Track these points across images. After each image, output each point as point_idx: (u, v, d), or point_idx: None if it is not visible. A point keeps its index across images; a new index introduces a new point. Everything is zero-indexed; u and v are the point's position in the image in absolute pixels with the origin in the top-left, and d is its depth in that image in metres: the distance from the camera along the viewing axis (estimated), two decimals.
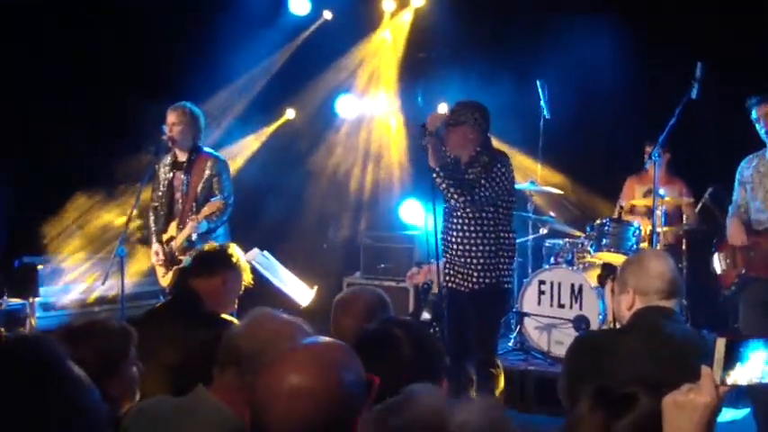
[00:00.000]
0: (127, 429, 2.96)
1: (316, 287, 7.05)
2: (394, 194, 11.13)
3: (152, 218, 7.69)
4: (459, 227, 6.54)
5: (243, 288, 5.22)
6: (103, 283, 7.60)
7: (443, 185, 6.39)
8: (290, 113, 11.42)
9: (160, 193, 7.61)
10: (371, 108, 11.55)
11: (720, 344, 2.04)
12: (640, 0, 9.41)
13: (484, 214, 6.49)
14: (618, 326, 4.00)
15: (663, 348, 3.60)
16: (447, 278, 6.60)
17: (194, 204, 7.45)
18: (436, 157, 6.41)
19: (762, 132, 6.64)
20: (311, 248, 11.20)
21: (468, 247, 6.52)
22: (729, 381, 2.04)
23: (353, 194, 11.31)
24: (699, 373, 3.40)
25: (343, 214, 11.38)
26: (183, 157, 7.56)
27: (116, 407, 3.21)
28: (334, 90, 11.58)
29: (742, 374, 2.03)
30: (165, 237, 7.55)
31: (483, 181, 6.38)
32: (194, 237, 7.31)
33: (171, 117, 7.46)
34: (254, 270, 6.77)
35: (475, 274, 6.52)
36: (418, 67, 11.42)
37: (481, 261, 6.51)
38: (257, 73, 10.99)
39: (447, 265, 6.61)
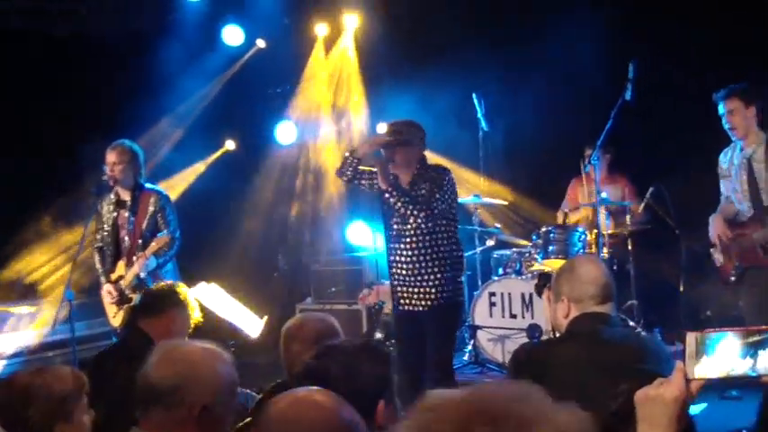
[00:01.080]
0: None
1: (266, 317, 7.00)
2: (339, 218, 11.11)
3: (97, 258, 7.60)
4: (412, 246, 6.48)
5: (192, 325, 5.18)
6: (53, 328, 7.51)
7: (399, 204, 6.38)
8: (229, 144, 11.39)
9: (105, 233, 7.54)
10: (311, 133, 11.54)
11: (690, 338, 2.04)
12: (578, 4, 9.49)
13: (438, 229, 6.47)
14: (557, 335, 3.98)
15: (602, 354, 3.58)
16: (402, 301, 6.55)
17: (140, 242, 7.40)
18: (386, 177, 6.40)
19: (726, 126, 6.68)
20: (261, 278, 11.15)
21: (424, 265, 6.47)
22: (699, 374, 2.04)
23: (299, 220, 11.29)
24: (642, 374, 3.45)
25: (291, 241, 11.35)
26: (125, 195, 7.50)
27: None
28: (273, 118, 11.58)
29: (712, 367, 2.03)
30: (113, 276, 7.47)
31: (437, 195, 6.38)
32: (143, 274, 7.26)
33: (111, 156, 7.37)
34: (201, 305, 6.73)
35: (433, 290, 6.47)
36: (355, 89, 11.44)
37: (438, 277, 6.47)
38: (193, 104, 10.95)
39: (399, 288, 6.55)
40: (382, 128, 10.53)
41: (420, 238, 6.46)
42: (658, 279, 9.00)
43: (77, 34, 9.90)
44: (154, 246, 7.28)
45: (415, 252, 6.49)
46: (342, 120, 11.44)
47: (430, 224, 6.42)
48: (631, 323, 8.43)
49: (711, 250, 6.95)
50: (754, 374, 2.00)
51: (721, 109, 6.65)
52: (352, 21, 11.32)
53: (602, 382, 3.42)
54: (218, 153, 11.34)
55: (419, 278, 6.50)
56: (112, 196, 7.54)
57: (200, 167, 11.14)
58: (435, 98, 9.69)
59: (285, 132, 11.62)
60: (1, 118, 9.59)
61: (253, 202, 11.35)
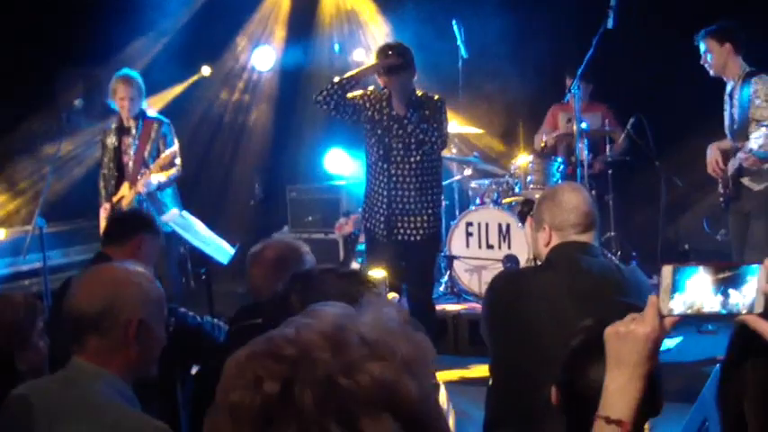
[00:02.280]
0: (13, 410, 2.80)
1: (237, 244, 6.95)
2: (317, 145, 11.01)
3: (101, 183, 7.78)
4: (417, 174, 6.48)
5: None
6: (25, 257, 7.47)
7: (394, 131, 6.38)
8: (205, 70, 11.21)
9: (108, 159, 7.73)
10: (288, 60, 11.39)
11: (666, 271, 1.97)
12: None
13: (427, 157, 6.48)
14: (538, 263, 3.94)
15: (580, 283, 3.56)
16: (383, 228, 6.55)
17: (143, 167, 7.57)
18: (400, 100, 6.38)
19: (707, 67, 6.78)
20: (238, 206, 11.08)
21: (427, 192, 6.52)
22: (675, 311, 1.97)
23: (276, 148, 11.18)
24: (620, 306, 3.41)
25: (267, 169, 11.26)
26: (128, 122, 7.68)
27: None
28: (250, 43, 11.44)
29: (685, 303, 1.97)
30: (115, 198, 7.63)
31: (435, 124, 6.39)
32: (144, 190, 7.44)
33: (121, 90, 7.57)
34: (172, 231, 6.67)
35: (430, 219, 6.55)
36: (332, 15, 11.30)
37: (435, 205, 6.59)
38: (168, 27, 10.77)
39: (400, 217, 6.54)
40: (360, 53, 10.44)
41: (422, 166, 6.47)
42: (637, 211, 8.99)
43: None
44: (158, 162, 7.48)
45: (419, 181, 6.49)
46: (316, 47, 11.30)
47: (429, 154, 6.43)
48: (609, 255, 8.42)
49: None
50: (724, 312, 1.94)
51: (701, 49, 6.75)
52: None
53: (580, 311, 3.39)
54: (194, 78, 11.15)
55: (419, 207, 6.52)
56: (114, 124, 7.75)
57: (175, 90, 10.96)
58: (412, 24, 9.58)
59: (263, 58, 11.45)
60: None
61: (229, 128, 11.23)
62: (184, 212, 7.19)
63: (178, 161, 7.69)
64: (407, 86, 6.42)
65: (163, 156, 7.51)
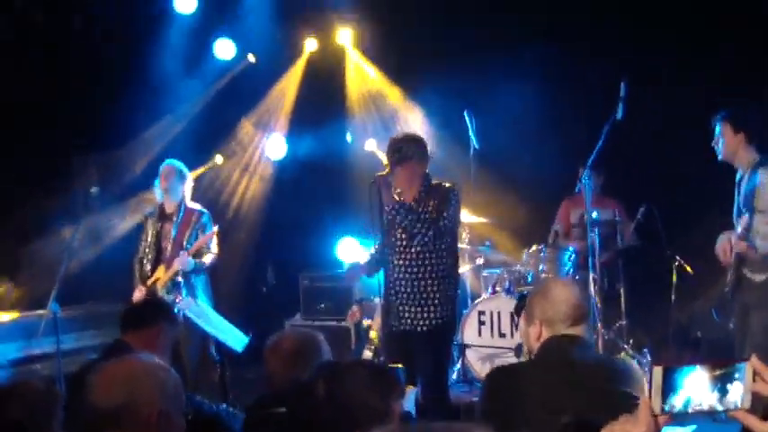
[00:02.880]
0: None
1: (251, 333, 6.97)
2: (329, 234, 11.06)
3: (137, 267, 8.07)
4: (417, 263, 6.43)
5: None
6: (38, 340, 7.51)
7: (407, 221, 6.35)
8: (218, 159, 11.33)
9: (147, 243, 8.04)
10: (302, 149, 11.50)
11: (657, 372, 2.01)
12: (563, 27, 9.47)
13: (443, 246, 6.44)
14: (532, 357, 3.97)
15: (573, 376, 3.58)
16: (402, 320, 6.50)
17: (180, 251, 7.85)
18: (390, 193, 6.42)
19: (717, 150, 6.67)
20: (250, 293, 11.10)
21: (429, 282, 6.43)
22: (667, 409, 2.00)
23: (289, 236, 11.22)
24: (613, 396, 3.43)
25: (280, 257, 11.30)
26: (171, 208, 8.11)
27: None
28: (263, 132, 11.57)
29: (679, 401, 2.00)
30: (150, 281, 7.89)
31: (444, 213, 6.35)
32: (180, 277, 7.76)
33: (166, 169, 8.09)
34: (186, 319, 6.69)
35: (438, 309, 6.45)
36: (343, 106, 11.44)
37: (442, 294, 6.46)
38: (182, 116, 10.93)
39: (401, 306, 6.49)
40: (371, 143, 10.54)
41: (426, 255, 6.41)
42: (649, 299, 8.97)
43: (69, 43, 9.86)
44: (197, 243, 7.86)
45: (420, 270, 6.44)
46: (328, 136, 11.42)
47: (437, 242, 6.38)
48: (622, 344, 8.41)
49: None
50: (721, 409, 1.97)
51: (717, 130, 6.63)
52: (345, 36, 11.33)
53: (574, 402, 3.42)
54: (207, 166, 11.26)
55: (423, 296, 6.45)
56: (156, 211, 8.17)
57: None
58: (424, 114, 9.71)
59: (275, 147, 11.58)
60: None
61: (241, 217, 11.30)
62: (199, 300, 7.25)
63: (215, 249, 8.03)
64: (409, 175, 6.39)
65: (202, 238, 7.86)
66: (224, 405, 4.93)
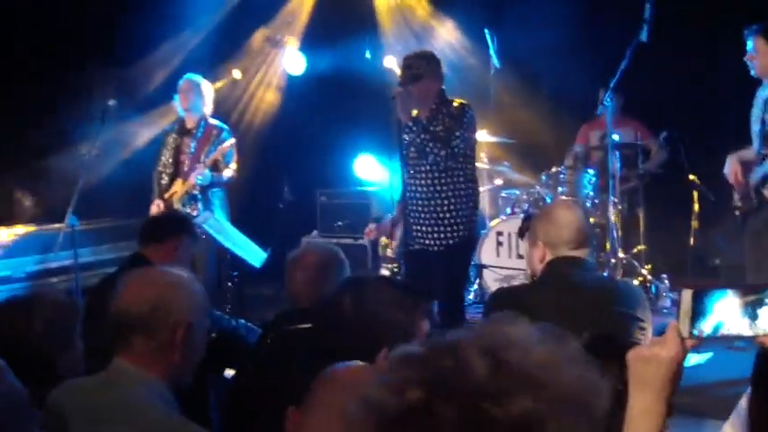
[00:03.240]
0: (53, 411, 2.81)
1: (270, 248, 6.97)
2: (347, 150, 11.02)
3: (156, 180, 8.07)
4: (428, 183, 6.38)
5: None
6: (56, 253, 7.53)
7: (419, 140, 6.27)
8: (236, 74, 11.25)
9: (166, 157, 8.01)
10: (319, 64, 11.40)
11: (686, 295, 1.98)
12: None
13: (456, 166, 6.35)
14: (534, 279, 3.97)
15: (574, 298, 3.59)
16: (416, 239, 6.46)
17: (198, 164, 7.83)
18: (406, 110, 6.27)
19: (750, 65, 6.43)
20: (266, 209, 11.09)
21: (440, 202, 6.37)
22: (696, 333, 1.97)
23: (306, 153, 11.18)
24: (615, 317, 3.43)
25: (297, 173, 11.27)
26: (191, 123, 8.07)
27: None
28: (277, 46, 11.50)
29: (708, 326, 1.97)
30: (167, 194, 7.89)
31: (457, 132, 6.26)
32: (197, 189, 7.74)
33: (185, 85, 8.03)
34: (205, 234, 6.69)
35: (450, 228, 6.39)
36: (363, 21, 11.33)
37: (456, 214, 6.39)
38: (199, 29, 10.84)
39: (414, 226, 6.45)
40: (391, 60, 10.44)
41: (437, 174, 6.35)
42: (668, 225, 8.93)
43: None
44: (213, 156, 7.80)
45: (432, 189, 6.39)
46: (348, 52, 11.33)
47: (449, 162, 6.31)
48: (639, 268, 8.40)
49: (733, 191, 6.82)
50: (750, 334, 1.94)
51: (748, 45, 6.42)
52: None
53: (574, 325, 3.40)
54: (224, 81, 11.20)
55: (435, 216, 6.40)
56: (177, 125, 8.15)
57: None
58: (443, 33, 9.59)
59: (293, 61, 11.48)
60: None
61: (259, 132, 11.25)
62: (217, 214, 7.24)
63: (234, 165, 7.99)
64: (424, 93, 6.31)
65: (220, 148, 7.79)
66: (242, 320, 4.93)
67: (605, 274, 7.59)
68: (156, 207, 7.85)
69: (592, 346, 2.24)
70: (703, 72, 8.76)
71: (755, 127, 6.54)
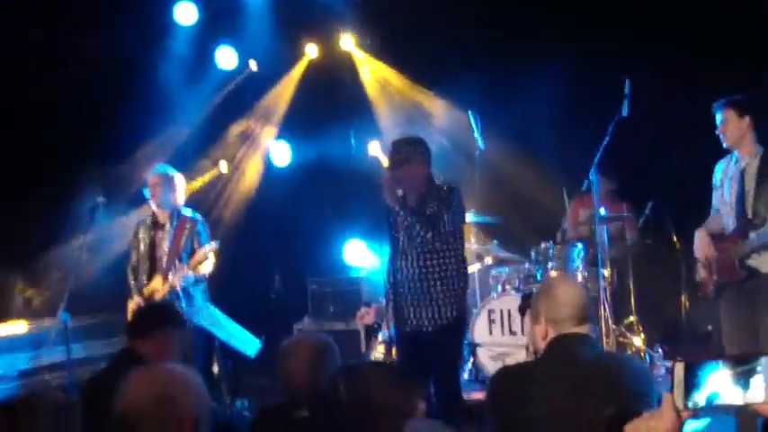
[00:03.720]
0: None
1: (263, 337, 6.97)
2: (336, 237, 11.08)
3: (131, 276, 7.86)
4: (419, 264, 6.46)
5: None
6: (49, 350, 7.50)
7: (407, 223, 6.38)
8: (222, 166, 11.36)
9: (140, 253, 7.83)
10: (306, 154, 11.52)
11: (679, 368, 2.03)
12: (567, 27, 9.48)
13: (445, 247, 6.45)
14: (537, 357, 3.98)
15: (577, 374, 3.59)
16: (408, 321, 6.51)
17: (177, 261, 7.61)
18: (393, 195, 6.40)
19: (719, 136, 6.60)
20: (259, 299, 11.09)
21: (431, 282, 6.44)
22: (690, 405, 2.01)
23: (296, 241, 11.23)
24: (619, 393, 3.44)
25: (288, 262, 11.30)
26: (163, 217, 7.82)
27: None
28: (255, 138, 11.66)
29: (702, 397, 2.01)
30: (146, 291, 7.68)
31: (445, 215, 6.36)
32: (181, 284, 7.45)
33: (153, 179, 7.76)
34: (199, 326, 6.69)
35: (442, 308, 6.45)
36: (347, 110, 11.47)
37: (446, 294, 6.46)
38: (186, 126, 10.96)
39: (406, 308, 6.51)
40: (375, 146, 10.55)
41: (428, 256, 6.44)
42: (659, 295, 8.98)
43: (72, 59, 9.88)
44: (195, 258, 7.48)
45: (422, 271, 6.46)
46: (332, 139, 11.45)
47: (437, 243, 6.40)
48: (632, 340, 8.42)
49: (697, 264, 6.89)
50: (743, 403, 1.98)
51: (717, 118, 6.59)
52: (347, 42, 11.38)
53: (581, 402, 3.45)
54: (212, 173, 11.31)
55: (426, 297, 6.47)
56: (149, 219, 7.88)
57: (194, 185, 11.12)
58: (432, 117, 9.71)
59: (279, 153, 11.61)
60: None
61: (248, 222, 11.30)
62: (210, 306, 7.24)
63: (212, 259, 7.65)
64: (411, 178, 6.42)
65: (200, 252, 7.51)
66: (237, 407, 4.90)
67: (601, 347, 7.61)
68: (136, 305, 7.65)
69: (608, 424, 2.27)
70: (687, 144, 8.87)
71: (731, 198, 6.62)
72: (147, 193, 7.82)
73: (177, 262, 7.59)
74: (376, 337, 8.93)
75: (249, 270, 10.98)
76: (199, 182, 11.21)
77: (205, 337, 7.30)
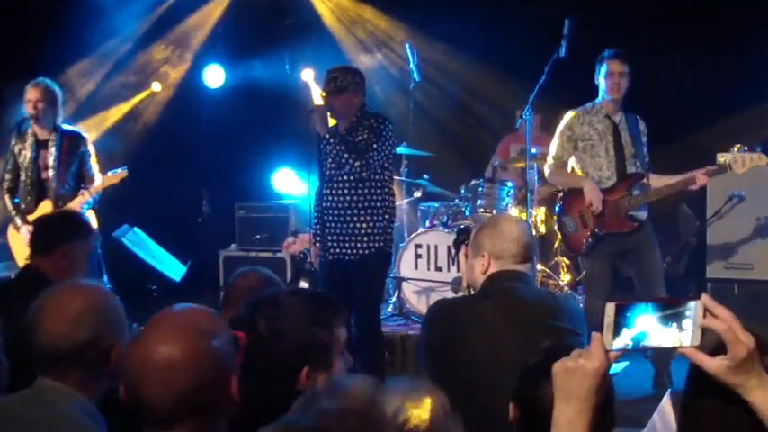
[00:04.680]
0: None
1: (189, 262, 6.93)
2: (265, 164, 11.01)
3: (8, 198, 7.43)
4: (344, 193, 6.47)
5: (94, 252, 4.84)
6: None
7: (336, 150, 6.36)
8: (155, 86, 11.18)
9: (21, 173, 7.40)
10: (239, 77, 11.39)
11: (609, 308, 2.04)
12: None
13: (372, 177, 6.46)
14: (471, 291, 4.00)
15: (517, 311, 3.63)
16: (331, 249, 6.54)
17: (65, 182, 7.32)
18: (324, 123, 6.40)
19: (604, 88, 6.86)
20: (185, 222, 11.02)
21: (356, 212, 6.47)
22: (619, 345, 2.03)
23: (225, 166, 11.14)
24: (556, 332, 3.49)
25: (216, 187, 11.21)
26: (44, 135, 7.40)
27: None
28: (201, 60, 11.45)
29: (631, 338, 2.03)
30: (32, 217, 7.17)
31: (374, 144, 6.36)
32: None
33: (32, 93, 7.27)
34: (124, 248, 6.62)
35: (365, 239, 6.49)
36: (283, 34, 11.35)
37: (371, 225, 6.49)
38: (119, 41, 10.73)
39: (330, 236, 6.53)
40: (308, 73, 10.47)
41: (354, 185, 6.45)
42: None
43: None
44: (101, 184, 7.25)
45: (347, 200, 6.47)
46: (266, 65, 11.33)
47: (365, 173, 6.40)
48: (557, 280, 8.52)
49: (563, 218, 7.05)
50: (671, 346, 2.01)
51: (610, 67, 6.84)
52: None
53: (515, 337, 3.50)
54: (144, 94, 11.12)
55: (350, 226, 6.49)
56: (29, 136, 7.40)
57: (125, 107, 10.94)
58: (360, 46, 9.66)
59: (213, 76, 11.46)
60: None
61: (177, 145, 11.17)
62: (136, 229, 7.16)
63: (98, 174, 7.43)
64: (345, 106, 6.43)
65: (106, 177, 7.29)
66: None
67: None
68: (26, 233, 7.02)
69: (552, 353, 2.29)
70: None
71: (607, 152, 6.92)
72: (25, 108, 7.36)
73: (66, 185, 7.30)
74: (302, 267, 8.92)
75: (177, 193, 10.87)
76: (134, 101, 11.05)
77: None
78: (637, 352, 2.07)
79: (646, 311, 2.02)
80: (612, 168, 6.86)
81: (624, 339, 2.03)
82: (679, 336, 2.00)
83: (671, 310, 2.01)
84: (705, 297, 1.98)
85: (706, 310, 1.98)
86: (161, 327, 2.27)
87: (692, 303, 2.00)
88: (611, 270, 7.01)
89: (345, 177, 6.45)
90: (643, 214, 6.89)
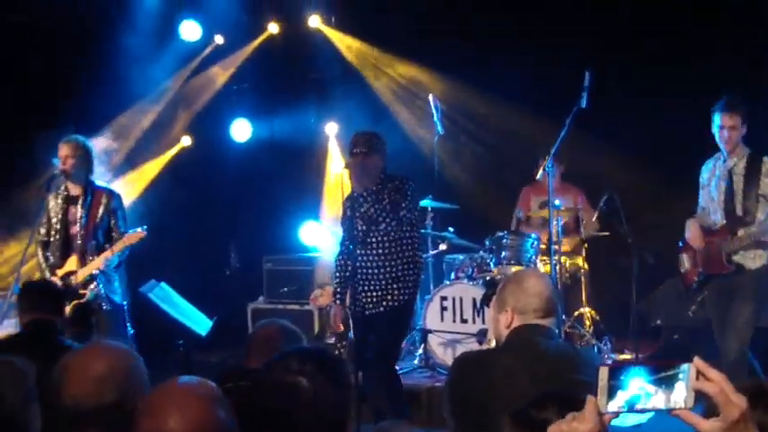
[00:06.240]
0: None
1: (216, 317, 6.98)
2: (293, 217, 11.09)
3: (40, 252, 7.49)
4: (378, 251, 6.72)
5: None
6: (1, 322, 7.43)
7: (373, 209, 6.62)
8: (185, 140, 11.33)
9: (51, 229, 7.44)
10: (267, 131, 11.51)
11: (603, 372, 2.07)
12: (529, 15, 9.55)
13: (403, 235, 6.73)
14: (497, 345, 4.04)
15: (538, 365, 3.67)
16: (369, 305, 6.75)
17: (93, 239, 7.35)
18: (360, 181, 6.66)
19: (720, 141, 6.72)
20: (213, 275, 11.10)
21: (389, 269, 6.72)
22: (612, 408, 2.07)
23: (252, 219, 11.23)
24: (574, 386, 3.50)
25: (243, 240, 11.30)
26: (76, 191, 7.45)
27: None
28: (228, 115, 11.58)
29: (624, 401, 2.07)
30: (60, 272, 7.31)
31: (403, 203, 6.64)
32: (100, 271, 7.17)
33: (63, 150, 7.32)
34: (151, 303, 6.68)
35: (396, 292, 6.73)
36: (309, 89, 11.48)
37: (402, 279, 6.74)
38: (151, 100, 10.89)
39: (365, 293, 6.74)
40: (332, 127, 10.60)
41: (387, 243, 6.72)
42: (610, 287, 9.07)
43: (35, 22, 9.77)
44: (122, 243, 7.22)
45: (382, 257, 6.73)
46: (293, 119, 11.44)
47: (397, 231, 6.69)
48: (581, 332, 8.50)
49: (681, 255, 7.06)
50: (665, 408, 2.03)
51: (720, 121, 6.68)
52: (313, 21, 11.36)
53: (538, 391, 3.47)
54: (175, 149, 11.27)
55: (381, 281, 6.74)
56: (62, 190, 7.46)
57: (159, 162, 11.09)
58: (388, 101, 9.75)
59: (240, 129, 11.60)
60: None
61: (205, 198, 11.27)
62: (163, 284, 7.21)
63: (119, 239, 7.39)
64: (371, 170, 6.68)
65: (128, 236, 7.26)
66: None
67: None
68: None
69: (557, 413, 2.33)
70: (642, 138, 8.97)
71: (719, 197, 6.84)
72: (56, 162, 7.39)
73: (93, 240, 7.35)
74: (323, 318, 8.98)
75: (205, 246, 10.97)
76: (167, 156, 11.19)
77: (124, 320, 7.12)
78: (633, 413, 2.10)
79: (639, 374, 2.05)
80: (721, 211, 6.84)
81: (619, 402, 2.06)
82: (673, 398, 2.03)
83: (664, 373, 2.04)
84: (697, 360, 2.01)
85: (699, 373, 2.02)
86: (170, 399, 2.35)
87: (685, 366, 2.03)
88: (717, 310, 6.85)
89: (380, 236, 6.70)
90: (751, 261, 6.71)
